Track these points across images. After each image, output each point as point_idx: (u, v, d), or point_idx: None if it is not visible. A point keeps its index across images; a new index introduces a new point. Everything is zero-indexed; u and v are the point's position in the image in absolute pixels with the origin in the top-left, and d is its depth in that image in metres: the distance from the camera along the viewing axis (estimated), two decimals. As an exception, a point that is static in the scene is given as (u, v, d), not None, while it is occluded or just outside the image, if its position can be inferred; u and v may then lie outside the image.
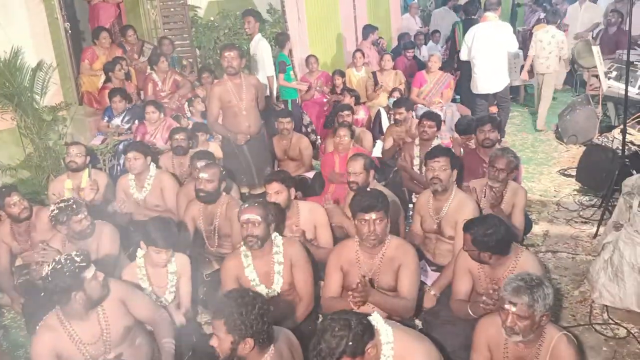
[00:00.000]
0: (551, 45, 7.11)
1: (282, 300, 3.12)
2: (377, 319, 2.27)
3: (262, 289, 3.09)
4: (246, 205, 3.08)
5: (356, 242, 3.06)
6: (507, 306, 2.30)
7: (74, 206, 3.38)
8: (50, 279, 2.42)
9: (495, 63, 6.42)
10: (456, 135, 5.61)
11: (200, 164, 3.98)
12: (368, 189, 3.34)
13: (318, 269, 3.46)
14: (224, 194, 3.79)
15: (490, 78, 6.49)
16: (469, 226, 2.87)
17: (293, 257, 3.10)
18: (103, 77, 6.49)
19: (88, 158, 4.56)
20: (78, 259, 2.48)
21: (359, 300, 2.80)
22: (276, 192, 3.57)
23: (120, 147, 5.73)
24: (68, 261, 2.46)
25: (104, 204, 4.55)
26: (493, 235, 2.78)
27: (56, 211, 3.37)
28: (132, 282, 3.10)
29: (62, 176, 4.74)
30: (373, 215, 2.89)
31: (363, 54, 7.36)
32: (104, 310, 2.62)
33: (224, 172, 3.76)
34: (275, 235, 3.14)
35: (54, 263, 2.46)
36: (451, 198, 3.60)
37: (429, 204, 3.70)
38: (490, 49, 6.38)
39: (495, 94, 6.68)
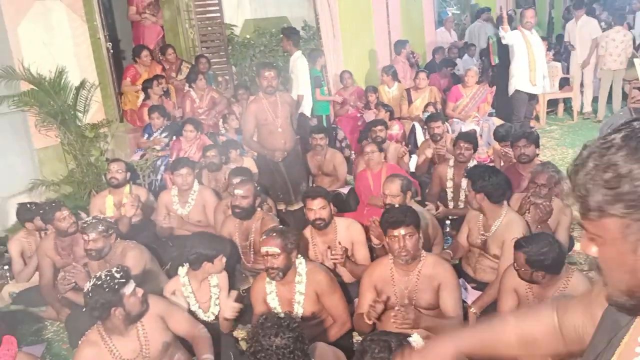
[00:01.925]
0: (623, 44, 7.71)
1: (307, 325, 3.05)
2: (417, 340, 2.23)
3: None
4: (264, 236, 3.03)
5: (390, 260, 3.02)
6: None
7: (85, 225, 3.43)
8: (90, 294, 2.47)
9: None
10: (496, 146, 5.52)
11: (236, 179, 4.02)
12: (397, 205, 3.30)
13: (352, 288, 3.45)
14: (258, 209, 3.82)
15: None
16: (522, 244, 2.79)
17: (318, 287, 3.05)
18: (142, 95, 6.67)
19: (129, 174, 4.66)
20: (118, 275, 2.52)
21: (406, 325, 2.73)
22: (322, 208, 3.57)
23: (158, 162, 5.85)
24: (108, 277, 2.51)
25: (144, 219, 4.65)
26: (548, 254, 2.72)
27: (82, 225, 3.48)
28: (172, 298, 3.14)
29: (104, 192, 4.86)
30: (402, 231, 2.86)
31: (390, 73, 7.31)
32: (143, 326, 2.66)
33: (258, 188, 3.78)
34: (300, 261, 3.10)
35: (94, 279, 2.51)
36: (502, 216, 3.53)
37: (480, 219, 3.64)
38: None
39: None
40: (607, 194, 0.87)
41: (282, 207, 4.90)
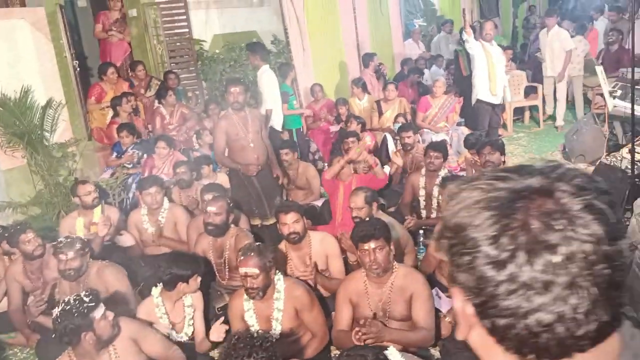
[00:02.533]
0: (583, 52, 8.18)
1: (285, 341, 3.06)
2: (393, 354, 2.24)
3: None
4: (241, 257, 2.99)
5: (363, 273, 3.04)
6: None
7: (61, 245, 3.37)
8: (59, 320, 2.42)
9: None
10: (467, 155, 5.61)
11: (208, 196, 3.99)
12: (367, 219, 3.33)
13: (330, 301, 3.45)
14: (232, 225, 3.79)
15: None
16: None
17: (297, 302, 3.05)
18: (111, 113, 6.59)
19: (96, 194, 4.59)
20: (87, 299, 2.48)
21: (372, 339, 2.74)
22: (295, 222, 3.57)
23: (130, 180, 5.78)
24: (77, 302, 2.46)
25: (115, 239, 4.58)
26: None
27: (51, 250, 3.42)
28: (146, 320, 3.09)
29: (73, 213, 4.77)
30: (372, 245, 2.89)
31: (359, 86, 7.37)
32: (115, 350, 2.61)
33: (231, 204, 3.76)
34: (278, 277, 3.08)
35: (62, 304, 2.46)
36: None
37: None
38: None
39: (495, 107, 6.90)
40: None
41: (257, 222, 4.88)
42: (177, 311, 3.17)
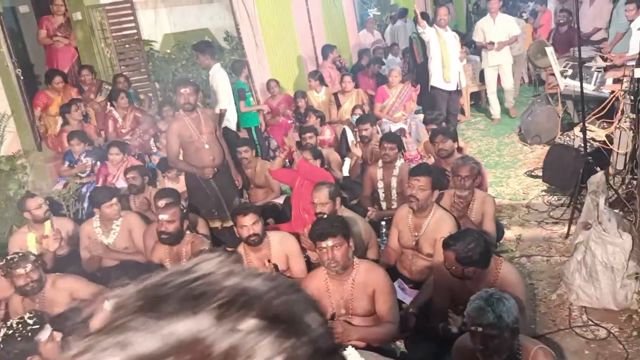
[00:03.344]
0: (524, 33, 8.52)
1: None
2: (352, 354, 2.20)
3: None
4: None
5: (324, 271, 2.99)
6: (473, 328, 2.26)
7: (16, 259, 3.25)
8: (2, 345, 2.29)
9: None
10: (427, 145, 5.59)
11: (161, 202, 3.88)
12: (325, 216, 3.27)
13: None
14: (187, 232, 3.68)
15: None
16: (450, 243, 2.82)
17: None
18: (61, 121, 6.37)
19: (47, 207, 4.42)
20: (31, 322, 2.36)
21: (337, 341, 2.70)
22: (254, 223, 3.48)
23: (84, 189, 5.59)
24: (20, 325, 2.34)
25: (71, 252, 4.42)
26: (476, 249, 2.76)
27: (1, 264, 3.28)
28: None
29: (23, 228, 4.58)
30: (330, 242, 2.84)
31: (317, 78, 7.31)
32: (66, 373, 2.49)
33: (184, 210, 3.65)
34: None
35: (4, 328, 2.33)
36: (430, 215, 3.56)
37: (409, 220, 3.65)
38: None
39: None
40: None
41: (217, 225, 4.78)
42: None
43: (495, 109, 7.96)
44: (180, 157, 4.73)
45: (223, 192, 4.80)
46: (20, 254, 3.34)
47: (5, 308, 3.50)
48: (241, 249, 3.63)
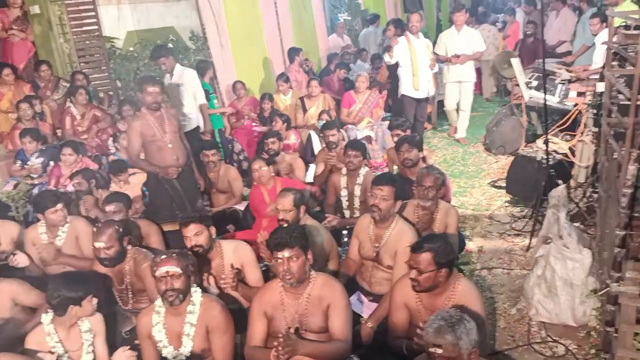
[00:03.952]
0: (489, 39, 8.61)
1: None
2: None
3: (169, 351, 2.83)
4: (163, 256, 2.81)
5: (280, 284, 2.86)
6: (432, 349, 2.18)
7: None
8: None
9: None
10: (391, 153, 5.52)
11: (109, 207, 3.69)
12: (284, 225, 3.15)
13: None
14: (129, 247, 3.46)
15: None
16: (424, 245, 2.70)
17: (211, 323, 2.82)
18: (14, 116, 6.09)
19: None
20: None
21: (287, 355, 2.58)
22: (196, 234, 3.31)
23: (35, 191, 5.34)
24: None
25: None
26: (450, 247, 2.72)
27: None
28: (36, 351, 2.78)
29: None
30: (286, 254, 2.72)
31: (285, 81, 7.20)
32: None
33: (121, 230, 3.40)
34: (195, 290, 2.88)
35: None
36: (392, 226, 3.46)
37: (370, 230, 3.55)
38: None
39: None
40: None
41: (171, 227, 4.59)
42: (73, 338, 2.86)
43: (460, 128, 7.64)
44: (142, 157, 4.57)
45: (186, 194, 4.66)
46: None
47: None
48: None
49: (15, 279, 3.42)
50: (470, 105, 7.53)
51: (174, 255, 2.81)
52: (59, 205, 3.90)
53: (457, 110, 7.64)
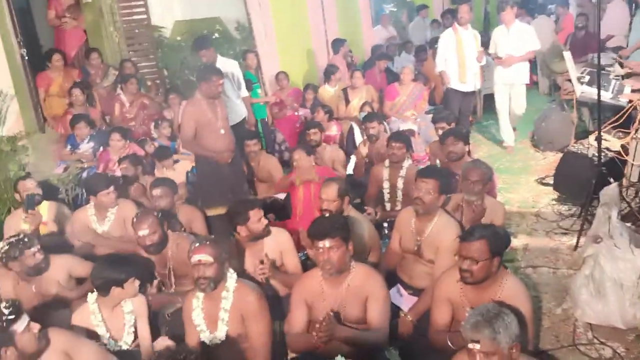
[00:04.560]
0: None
1: (233, 348, 2.87)
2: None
3: (206, 335, 2.88)
4: (197, 244, 2.84)
5: (320, 272, 2.86)
6: (470, 346, 2.13)
7: (26, 240, 3.20)
8: (-24, 336, 2.20)
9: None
10: (434, 146, 5.43)
11: (156, 191, 3.77)
12: (327, 215, 3.13)
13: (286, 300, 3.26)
14: (170, 232, 3.53)
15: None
16: (479, 233, 2.64)
17: (245, 309, 2.84)
18: (67, 101, 6.28)
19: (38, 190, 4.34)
20: (6, 311, 2.26)
21: (325, 338, 2.60)
22: (260, 219, 3.40)
23: (84, 174, 5.51)
24: (-6, 315, 2.25)
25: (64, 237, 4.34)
26: (502, 235, 2.70)
27: (6, 247, 3.18)
28: (82, 328, 2.87)
29: (18, 211, 4.50)
30: (327, 243, 2.71)
31: (336, 72, 7.17)
32: (44, 365, 2.40)
33: (160, 215, 3.48)
34: (230, 274, 2.91)
35: (-23, 319, 2.24)
36: (435, 220, 3.40)
37: (412, 223, 3.49)
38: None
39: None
40: None
41: (222, 210, 4.63)
42: (116, 318, 2.95)
43: (507, 135, 6.90)
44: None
45: (236, 179, 4.79)
46: (25, 235, 3.28)
47: None
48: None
49: (67, 254, 3.57)
50: (522, 109, 6.81)
51: (207, 243, 2.83)
52: (111, 188, 4.04)
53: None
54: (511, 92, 6.71)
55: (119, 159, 4.95)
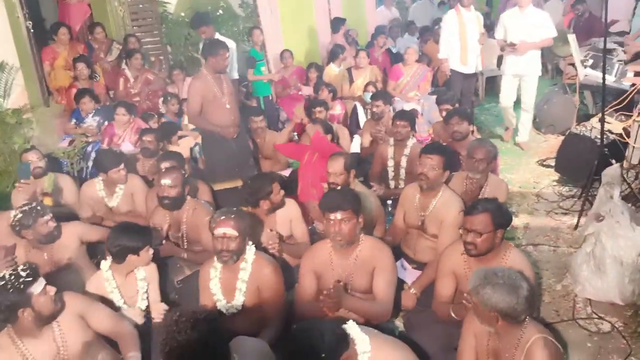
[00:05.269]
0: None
1: (248, 317, 2.93)
2: (352, 328, 2.15)
3: (222, 304, 2.94)
4: (222, 217, 2.87)
5: (329, 244, 2.92)
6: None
7: (39, 208, 3.24)
8: (-7, 296, 2.25)
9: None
10: (437, 127, 5.46)
11: (164, 165, 3.81)
12: (339, 188, 3.19)
13: (296, 270, 3.34)
14: (189, 198, 3.62)
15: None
16: (483, 206, 2.72)
17: (261, 280, 2.90)
18: (72, 74, 6.27)
19: (42, 163, 4.37)
20: (24, 274, 2.31)
21: (332, 306, 2.66)
22: (277, 193, 3.51)
23: (89, 148, 5.53)
24: (12, 277, 2.30)
25: (71, 210, 4.37)
26: (504, 207, 2.81)
27: (20, 215, 3.22)
28: (97, 295, 2.94)
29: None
30: (338, 215, 2.77)
31: (343, 52, 7.17)
32: (59, 326, 2.46)
33: (186, 175, 3.58)
34: (249, 247, 2.96)
35: (-3, 280, 2.29)
36: (439, 195, 3.46)
37: (416, 199, 3.56)
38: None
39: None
40: None
41: (238, 183, 4.68)
42: (129, 285, 3.01)
43: (510, 121, 6.53)
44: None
45: (242, 154, 4.82)
46: (36, 204, 3.32)
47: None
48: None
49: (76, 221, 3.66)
50: (533, 103, 6.28)
51: (232, 216, 2.86)
52: (122, 166, 4.07)
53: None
54: (522, 83, 6.18)
55: (141, 131, 4.95)
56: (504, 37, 6.15)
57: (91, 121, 5.80)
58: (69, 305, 2.50)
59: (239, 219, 2.87)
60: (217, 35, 5.83)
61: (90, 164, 5.44)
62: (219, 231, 2.83)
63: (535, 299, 2.74)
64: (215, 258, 2.94)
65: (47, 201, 4.23)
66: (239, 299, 2.91)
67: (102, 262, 3.03)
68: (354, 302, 2.79)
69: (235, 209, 3.01)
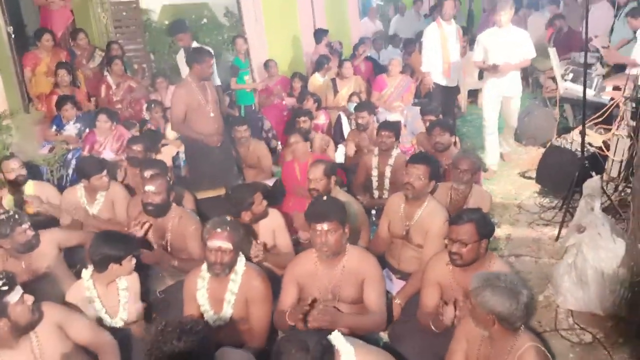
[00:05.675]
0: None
1: (235, 328, 2.90)
2: (337, 339, 2.13)
3: (209, 315, 2.89)
4: (217, 229, 2.82)
5: (315, 254, 2.90)
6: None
7: (16, 216, 3.17)
8: (-32, 307, 2.19)
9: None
10: (420, 137, 5.49)
11: (148, 173, 3.76)
12: (324, 197, 3.18)
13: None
14: (174, 205, 3.58)
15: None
16: (468, 216, 2.73)
17: (251, 292, 2.86)
18: (53, 80, 6.19)
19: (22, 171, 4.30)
20: (0, 283, 2.25)
21: (324, 325, 2.61)
22: (260, 203, 3.48)
23: (69, 156, 5.46)
24: (-13, 286, 2.24)
25: (50, 218, 4.29)
26: (488, 217, 2.82)
27: None
28: (77, 304, 2.87)
29: (3, 190, 4.44)
30: (325, 226, 2.76)
31: (328, 63, 7.20)
32: (37, 337, 2.40)
33: (171, 182, 3.54)
34: (240, 258, 2.92)
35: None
36: (424, 205, 3.47)
37: (401, 208, 3.56)
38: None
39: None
40: None
41: (222, 192, 4.63)
42: (111, 295, 2.95)
43: (491, 155, 6.01)
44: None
45: (227, 162, 4.83)
46: (14, 212, 3.25)
47: None
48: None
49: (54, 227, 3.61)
50: (516, 119, 6.20)
51: (227, 228, 2.81)
52: (104, 172, 4.02)
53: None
54: (504, 104, 5.98)
55: (129, 140, 4.89)
56: (484, 58, 5.89)
57: (72, 128, 5.74)
58: (47, 315, 2.44)
59: (233, 231, 2.83)
60: (195, 44, 5.83)
61: (70, 171, 5.37)
62: (214, 244, 2.78)
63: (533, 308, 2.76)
64: (202, 267, 2.90)
65: (28, 209, 4.16)
66: (227, 311, 2.87)
67: (84, 270, 2.97)
68: (349, 320, 2.76)
69: (228, 218, 2.96)
